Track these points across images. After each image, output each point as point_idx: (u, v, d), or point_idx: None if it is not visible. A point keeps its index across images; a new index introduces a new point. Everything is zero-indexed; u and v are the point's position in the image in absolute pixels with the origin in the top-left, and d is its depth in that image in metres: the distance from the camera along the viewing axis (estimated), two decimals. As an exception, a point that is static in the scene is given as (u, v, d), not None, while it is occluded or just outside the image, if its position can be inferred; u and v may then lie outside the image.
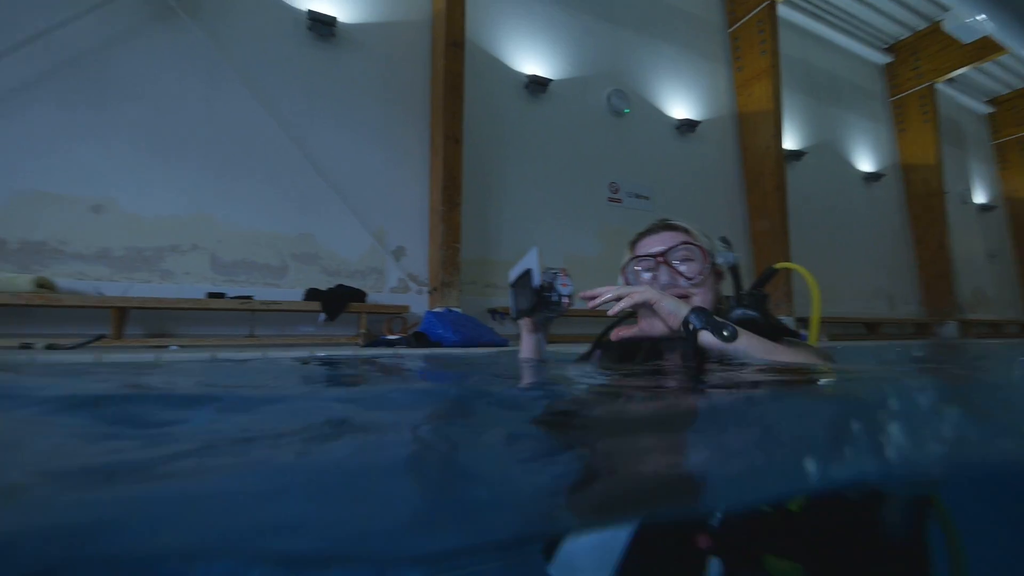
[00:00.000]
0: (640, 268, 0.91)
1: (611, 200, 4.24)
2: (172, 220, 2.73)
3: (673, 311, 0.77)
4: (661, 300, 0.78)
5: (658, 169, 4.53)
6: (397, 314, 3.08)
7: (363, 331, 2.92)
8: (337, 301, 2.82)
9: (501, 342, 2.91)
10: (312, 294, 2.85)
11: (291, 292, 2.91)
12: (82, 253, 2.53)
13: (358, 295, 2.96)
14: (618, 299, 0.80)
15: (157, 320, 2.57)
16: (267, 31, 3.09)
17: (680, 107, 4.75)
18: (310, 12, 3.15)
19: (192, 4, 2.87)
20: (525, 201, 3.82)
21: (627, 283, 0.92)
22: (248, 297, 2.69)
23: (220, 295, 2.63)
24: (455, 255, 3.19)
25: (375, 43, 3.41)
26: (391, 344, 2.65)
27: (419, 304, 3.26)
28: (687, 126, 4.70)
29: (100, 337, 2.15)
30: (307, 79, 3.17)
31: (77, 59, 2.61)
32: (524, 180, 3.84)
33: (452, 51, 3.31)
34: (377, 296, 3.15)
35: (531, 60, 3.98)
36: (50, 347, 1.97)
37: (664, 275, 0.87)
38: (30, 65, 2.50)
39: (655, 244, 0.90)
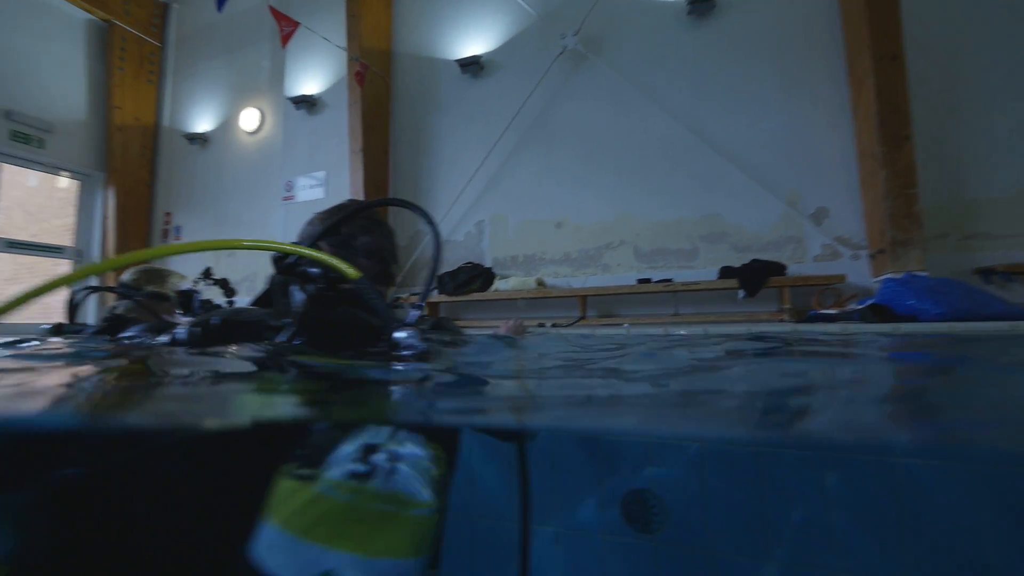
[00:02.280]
0: None
1: None
2: (604, 224, 3.38)
3: None
4: None
5: None
6: (828, 285, 2.67)
7: (787, 306, 2.68)
8: (755, 276, 2.72)
9: (1019, 313, 2.00)
10: (727, 272, 2.86)
11: (704, 272, 3.03)
12: (554, 258, 3.52)
13: (777, 268, 2.75)
14: None
15: (605, 304, 3.24)
16: (651, 35, 3.35)
17: None
18: (689, -3, 3.20)
19: (595, 45, 3.47)
20: (1032, 101, 2.51)
21: None
22: (669, 280, 2.99)
23: (647, 280, 3.04)
24: (910, 204, 2.45)
25: (760, -8, 3.09)
26: (832, 319, 2.31)
27: (857, 272, 2.70)
28: None
29: (580, 319, 2.93)
30: (692, 64, 3.24)
31: (535, 121, 3.65)
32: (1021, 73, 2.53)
33: (874, -56, 2.58)
34: (799, 267, 2.83)
35: None
36: (554, 325, 2.83)
37: None
38: (514, 136, 3.69)
39: None
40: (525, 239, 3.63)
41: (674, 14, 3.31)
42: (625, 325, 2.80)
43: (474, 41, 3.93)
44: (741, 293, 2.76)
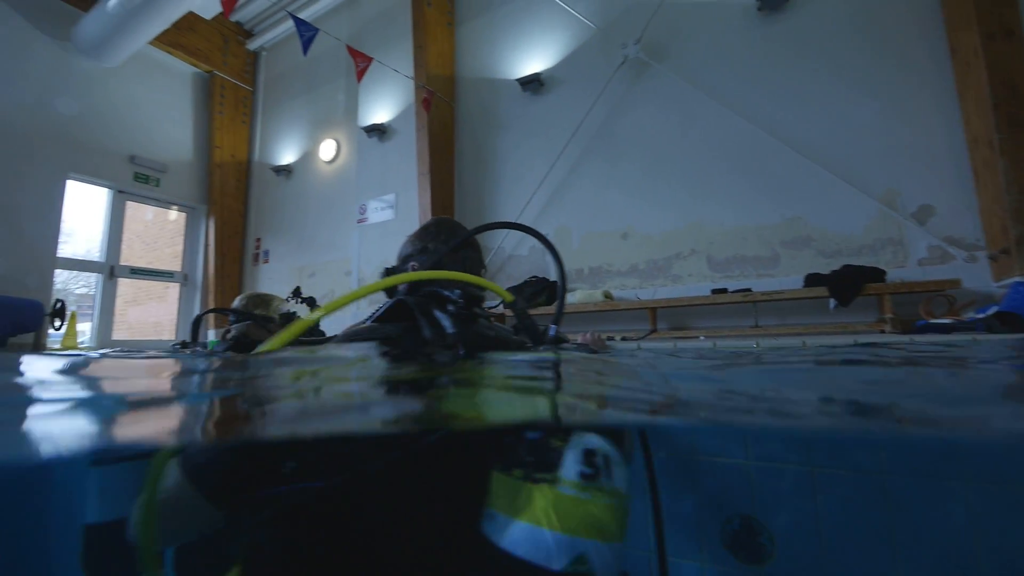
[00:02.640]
0: None
1: None
2: (673, 233, 3.27)
3: None
4: None
5: None
6: (939, 291, 2.39)
7: (890, 316, 2.43)
8: (849, 283, 2.50)
9: None
10: (814, 279, 2.65)
11: (786, 280, 2.83)
12: (620, 270, 3.45)
13: (875, 274, 2.50)
14: None
15: (677, 316, 3.12)
16: (718, 36, 3.23)
17: None
18: (759, -7, 3.06)
19: (658, 52, 3.41)
20: None
21: None
22: (748, 290, 2.82)
23: (723, 290, 2.89)
24: (1040, 196, 2.15)
25: (840, -21, 2.89)
26: (947, 329, 2.06)
27: (973, 275, 2.40)
28: None
29: (652, 331, 2.84)
30: (764, 62, 3.08)
31: (597, 133, 3.64)
32: None
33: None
34: (900, 272, 2.56)
35: None
36: (624, 339, 2.75)
37: None
38: (576, 149, 3.69)
39: None
40: (590, 251, 3.59)
41: (742, 12, 3.18)
42: (701, 338, 2.67)
43: (534, 59, 4.01)
44: (832, 302, 2.55)
